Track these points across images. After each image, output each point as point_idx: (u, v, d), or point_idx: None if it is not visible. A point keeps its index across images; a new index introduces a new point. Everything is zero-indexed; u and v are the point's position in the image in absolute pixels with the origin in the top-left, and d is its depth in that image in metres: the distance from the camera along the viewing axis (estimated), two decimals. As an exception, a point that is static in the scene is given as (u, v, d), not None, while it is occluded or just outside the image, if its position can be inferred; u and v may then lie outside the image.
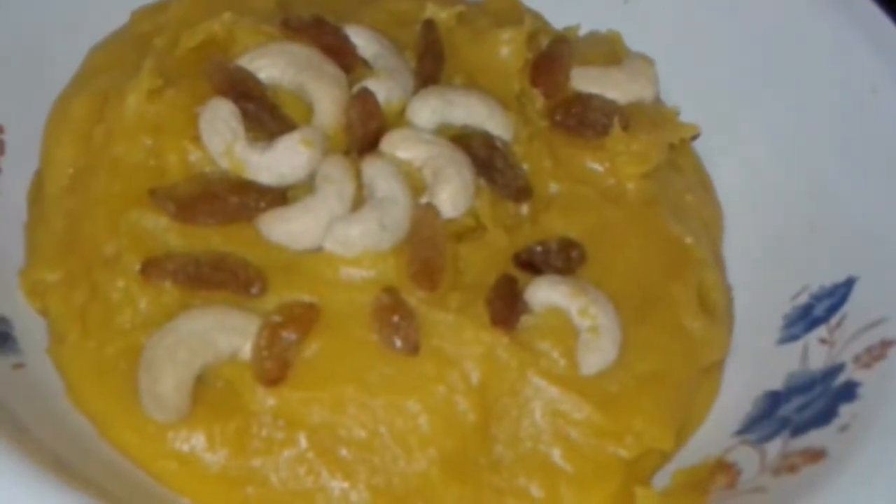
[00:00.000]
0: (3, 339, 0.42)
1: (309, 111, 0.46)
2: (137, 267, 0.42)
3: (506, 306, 0.43)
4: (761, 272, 0.50)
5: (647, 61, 0.53)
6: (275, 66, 0.46)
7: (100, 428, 0.41)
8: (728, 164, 0.53)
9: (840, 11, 0.51)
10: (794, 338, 0.47)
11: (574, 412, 0.42)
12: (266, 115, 0.45)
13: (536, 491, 0.41)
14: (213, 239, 0.43)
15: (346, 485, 0.40)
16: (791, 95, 0.52)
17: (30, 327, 0.43)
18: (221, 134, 0.44)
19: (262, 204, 0.44)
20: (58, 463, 0.35)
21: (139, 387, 0.40)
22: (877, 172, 0.48)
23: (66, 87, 0.49)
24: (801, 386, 0.44)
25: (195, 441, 0.40)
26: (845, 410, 0.41)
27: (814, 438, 0.40)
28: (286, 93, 0.46)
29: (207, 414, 0.40)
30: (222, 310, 0.41)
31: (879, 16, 0.51)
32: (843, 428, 0.40)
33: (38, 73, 0.48)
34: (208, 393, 0.41)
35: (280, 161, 0.44)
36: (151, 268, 0.42)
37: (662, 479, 0.44)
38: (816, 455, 0.39)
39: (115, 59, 0.48)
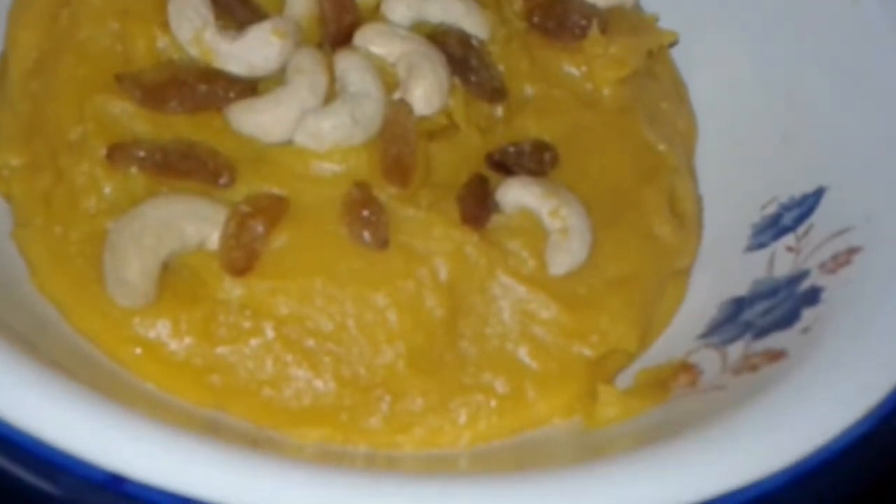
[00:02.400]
0: (-35, 222, 0.42)
1: (281, 1, 0.45)
2: (103, 152, 0.41)
3: (476, 204, 0.43)
4: (732, 182, 0.50)
5: (628, -35, 0.52)
6: (247, -48, 0.45)
7: (64, 313, 0.41)
8: (704, 74, 0.53)
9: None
10: (761, 246, 0.47)
11: (541, 311, 0.42)
12: (237, 2, 0.44)
13: (501, 387, 0.42)
14: (181, 127, 0.42)
15: (311, 374, 0.40)
16: (769, 6, 0.52)
17: (-6, 211, 0.43)
18: (191, 20, 0.43)
19: (232, 94, 0.43)
20: (23, 343, 0.35)
21: (104, 271, 0.40)
22: (852, 83, 0.48)
23: (31, -32, 0.47)
24: (766, 292, 0.44)
25: (160, 327, 0.40)
26: (808, 314, 0.41)
27: (775, 340, 0.41)
28: (258, -19, 0.45)
29: (173, 301, 0.40)
30: (190, 198, 0.41)
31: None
32: (805, 330, 0.41)
33: (1, -47, 0.47)
34: (175, 280, 0.41)
35: (250, 50, 0.43)
36: (118, 153, 0.41)
37: (626, 380, 0.44)
38: (777, 355, 0.40)
39: (81, -59, 0.47)
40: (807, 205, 0.47)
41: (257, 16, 0.44)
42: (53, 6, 0.45)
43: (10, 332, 0.36)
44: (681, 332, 0.46)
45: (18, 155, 0.43)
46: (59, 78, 0.43)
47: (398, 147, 0.43)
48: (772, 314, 0.43)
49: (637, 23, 0.51)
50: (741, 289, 0.45)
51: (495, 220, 0.43)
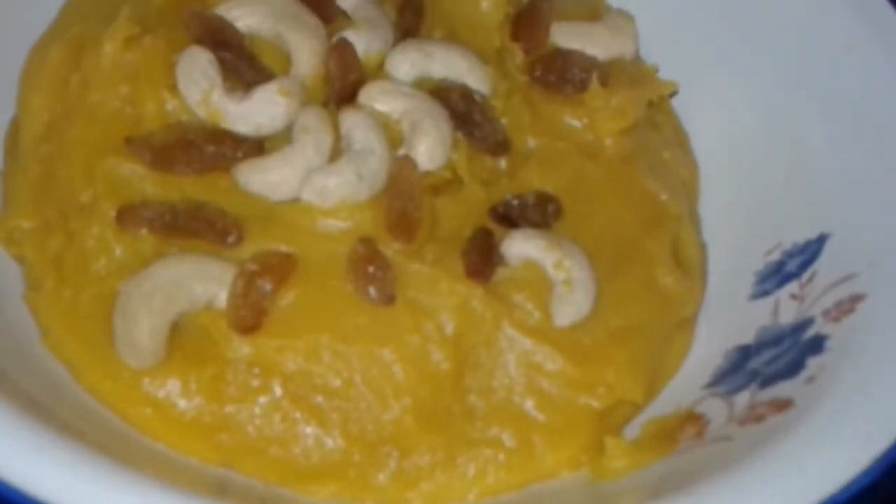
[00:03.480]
0: (-21, 284, 0.42)
1: (287, 61, 0.46)
2: (113, 214, 0.42)
3: (481, 258, 0.43)
4: (735, 229, 0.51)
5: (627, 18, 0.53)
6: (253, 14, 0.46)
7: (75, 374, 0.41)
8: (705, 122, 0.53)
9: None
10: (765, 293, 0.47)
11: (547, 363, 0.43)
12: (244, 64, 0.45)
13: (509, 440, 0.42)
14: (189, 188, 0.43)
15: (320, 431, 0.41)
16: (769, 54, 0.52)
17: (6, 273, 0.43)
18: (198, 83, 0.44)
19: (239, 153, 0.44)
20: (35, 406, 0.35)
21: (114, 332, 0.41)
22: (852, 130, 0.49)
23: (43, 34, 0.48)
24: (771, 340, 0.45)
25: (170, 387, 0.40)
26: (813, 363, 0.42)
27: (781, 390, 0.41)
28: (264, 42, 0.46)
29: (182, 361, 0.41)
30: (199, 258, 0.41)
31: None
32: (810, 379, 0.41)
33: (14, 20, 0.48)
34: (184, 340, 0.41)
35: (257, 110, 0.44)
36: (127, 215, 0.42)
37: (633, 431, 0.44)
38: (783, 405, 0.40)
39: (91, 6, 0.48)
40: (810, 251, 0.47)
41: (263, 76, 0.45)
42: (64, 71, 0.46)
43: (22, 394, 0.36)
44: (687, 381, 0.46)
45: (30, 218, 0.44)
46: (69, 141, 0.44)
47: (403, 202, 0.44)
48: (777, 363, 0.43)
49: (637, 74, 0.51)
50: (746, 337, 0.46)
51: (500, 272, 0.44)
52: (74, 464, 0.34)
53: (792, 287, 0.46)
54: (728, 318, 0.47)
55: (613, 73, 0.50)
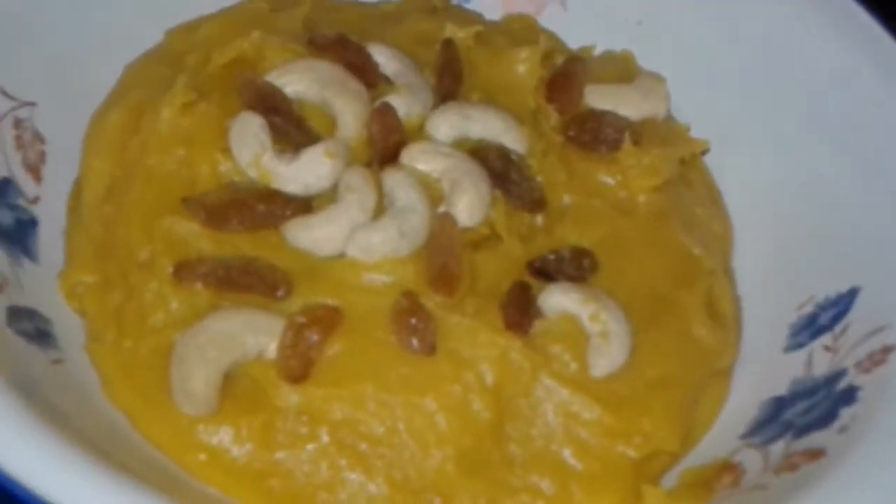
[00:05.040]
0: (44, 336, 0.44)
1: (333, 124, 0.48)
2: (170, 270, 0.44)
3: (519, 311, 0.45)
4: (769, 283, 0.51)
5: (659, 79, 0.54)
6: (301, 81, 0.48)
7: (133, 421, 0.43)
8: (737, 179, 0.54)
9: (845, 34, 0.53)
10: (799, 346, 0.48)
11: (584, 413, 0.44)
12: (292, 127, 0.47)
13: (548, 488, 0.43)
14: (241, 244, 0.45)
15: (365, 478, 0.42)
16: (798, 113, 0.53)
17: (69, 326, 0.45)
18: (250, 146, 0.46)
19: (288, 212, 0.45)
20: (95, 449, 0.37)
21: (171, 382, 0.42)
22: (884, 183, 0.49)
23: (104, 101, 0.51)
24: (805, 391, 0.45)
25: (223, 434, 0.41)
26: (845, 413, 0.42)
27: (814, 439, 0.42)
28: (311, 107, 0.48)
29: (235, 409, 0.42)
30: (250, 311, 0.43)
31: (883, 37, 0.53)
32: (843, 429, 0.41)
33: (78, 89, 0.50)
34: (236, 389, 0.42)
35: (305, 171, 0.46)
36: (183, 271, 0.44)
37: (670, 481, 0.45)
38: (816, 454, 0.41)
39: (149, 75, 0.50)
40: (842, 304, 0.48)
41: (311, 138, 0.47)
42: (124, 135, 0.48)
43: (85, 438, 0.38)
44: (723, 432, 0.46)
45: (92, 273, 0.46)
46: (129, 201, 0.46)
47: (444, 258, 0.45)
48: (811, 413, 0.44)
49: (669, 133, 0.53)
50: (781, 388, 0.46)
51: (538, 325, 0.45)
52: (137, 501, 0.35)
53: (825, 339, 0.47)
54: (763, 369, 0.48)
55: (646, 133, 0.51)
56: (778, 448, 0.43)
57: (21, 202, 0.47)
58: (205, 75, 0.49)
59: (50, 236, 0.47)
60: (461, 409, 0.43)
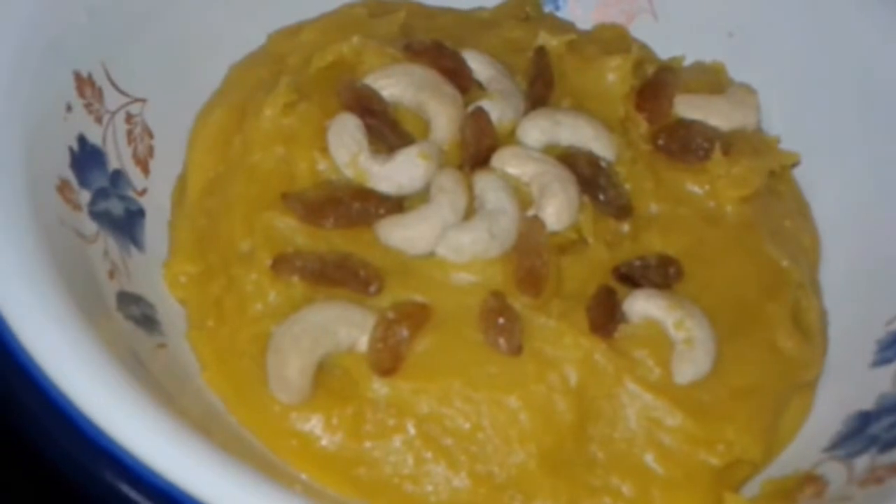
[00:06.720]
0: (149, 321, 0.46)
1: (427, 127, 0.49)
2: (269, 262, 0.45)
3: (604, 314, 0.45)
4: (857, 297, 0.51)
5: (750, 91, 0.54)
6: (397, 85, 0.49)
7: (229, 406, 0.44)
8: (826, 192, 0.54)
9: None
10: (886, 361, 0.47)
11: (667, 418, 0.44)
12: (388, 129, 0.48)
13: (628, 491, 0.43)
14: (336, 240, 0.46)
15: (449, 471, 0.42)
16: (890, 127, 0.53)
17: (171, 313, 0.47)
18: (347, 146, 0.47)
19: (382, 211, 0.47)
20: (200, 429, 0.38)
21: (267, 369, 0.43)
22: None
23: (209, 100, 0.52)
24: (892, 407, 0.45)
25: (315, 422, 0.43)
26: (933, 429, 0.42)
27: (901, 454, 0.42)
28: (406, 110, 0.49)
29: (327, 398, 0.43)
30: (343, 304, 0.44)
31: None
32: (931, 445, 0.41)
33: (185, 88, 0.52)
34: (328, 379, 0.44)
35: (399, 172, 0.47)
36: (281, 264, 0.45)
37: (751, 491, 0.45)
38: (903, 468, 0.40)
39: (252, 76, 0.52)
40: (932, 321, 0.47)
41: (405, 140, 0.48)
42: (227, 133, 0.50)
43: (188, 416, 0.39)
44: (806, 445, 0.46)
45: (194, 264, 0.48)
46: (231, 196, 0.48)
47: (531, 260, 0.46)
48: (897, 429, 0.43)
49: (759, 144, 0.53)
50: (866, 403, 0.46)
51: (622, 329, 0.45)
52: (237, 475, 0.36)
53: (913, 354, 0.47)
54: (849, 384, 0.48)
55: (735, 144, 0.51)
56: (862, 462, 0.43)
57: (131, 193, 0.49)
58: (305, 77, 0.50)
59: (155, 227, 0.49)
60: (545, 408, 0.43)
